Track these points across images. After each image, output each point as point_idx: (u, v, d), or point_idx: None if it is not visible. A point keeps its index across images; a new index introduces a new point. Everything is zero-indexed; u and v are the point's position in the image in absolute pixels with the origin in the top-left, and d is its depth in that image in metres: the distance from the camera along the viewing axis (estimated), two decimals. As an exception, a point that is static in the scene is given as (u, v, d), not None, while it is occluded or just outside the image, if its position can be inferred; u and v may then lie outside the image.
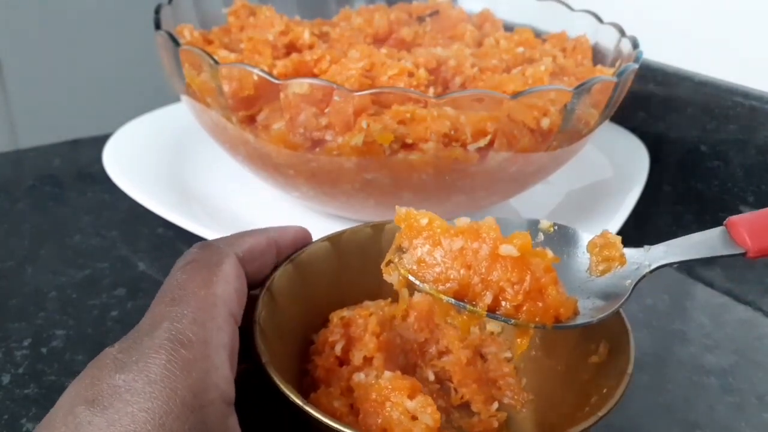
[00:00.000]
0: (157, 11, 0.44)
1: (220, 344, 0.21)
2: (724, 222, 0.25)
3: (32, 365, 0.35)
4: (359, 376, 0.26)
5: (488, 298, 0.23)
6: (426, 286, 0.24)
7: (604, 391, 0.25)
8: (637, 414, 0.33)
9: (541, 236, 0.28)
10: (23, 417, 0.31)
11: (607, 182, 0.52)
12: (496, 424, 0.28)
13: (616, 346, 0.26)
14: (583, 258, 0.27)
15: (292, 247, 0.28)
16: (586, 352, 0.27)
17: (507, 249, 0.23)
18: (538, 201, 0.49)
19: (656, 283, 0.44)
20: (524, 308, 0.23)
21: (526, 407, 0.29)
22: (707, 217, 0.54)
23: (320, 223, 0.45)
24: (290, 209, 0.47)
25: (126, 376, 0.19)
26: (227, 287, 0.23)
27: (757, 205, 0.54)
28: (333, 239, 0.29)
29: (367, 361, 0.28)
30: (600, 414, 0.22)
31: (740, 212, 0.53)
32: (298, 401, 0.22)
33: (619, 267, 0.26)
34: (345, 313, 0.29)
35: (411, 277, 0.25)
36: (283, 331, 0.26)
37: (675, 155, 0.58)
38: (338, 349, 0.28)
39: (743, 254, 0.24)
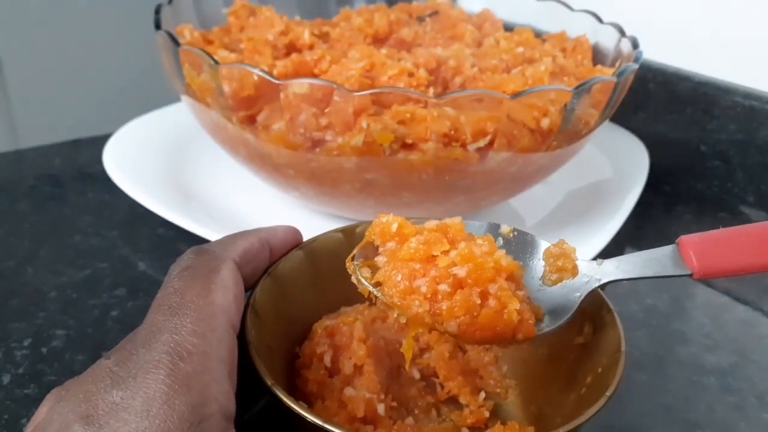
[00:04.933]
0: (157, 11, 0.44)
1: (220, 357, 0.21)
2: (676, 240, 0.25)
3: (32, 365, 0.35)
4: (350, 391, 0.26)
5: (452, 327, 0.23)
6: (382, 296, 0.24)
7: (599, 370, 0.25)
8: (636, 414, 0.33)
9: (500, 241, 0.28)
10: (23, 417, 0.31)
11: (606, 182, 0.52)
12: (486, 414, 0.29)
13: (601, 326, 0.26)
14: (538, 265, 0.27)
15: (282, 246, 0.28)
16: (569, 334, 0.27)
17: (459, 271, 0.23)
18: (538, 201, 0.49)
19: (656, 283, 0.44)
20: (480, 334, 0.23)
21: (511, 393, 0.30)
22: (707, 217, 0.53)
23: (320, 223, 0.45)
24: (290, 209, 0.47)
25: (124, 393, 0.19)
26: (227, 295, 0.22)
27: (758, 205, 0.54)
28: (306, 247, 0.29)
29: (358, 369, 0.27)
30: (608, 393, 0.22)
31: (740, 212, 0.54)
32: (319, 421, 0.21)
33: (570, 278, 0.26)
34: (328, 322, 0.28)
35: (366, 283, 0.24)
36: (270, 347, 0.26)
37: (675, 155, 0.58)
38: (327, 360, 0.27)
39: (690, 275, 0.24)
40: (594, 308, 0.26)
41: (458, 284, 0.23)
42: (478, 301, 0.23)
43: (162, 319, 0.21)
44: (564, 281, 0.26)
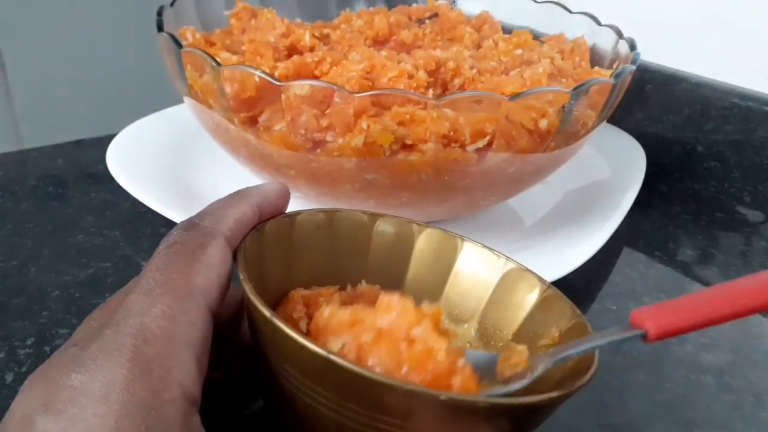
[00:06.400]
0: (160, 13, 0.45)
1: (189, 341, 0.20)
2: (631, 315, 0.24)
3: (35, 364, 0.34)
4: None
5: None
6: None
7: (557, 334, 0.25)
8: (634, 412, 0.34)
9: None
10: (28, 414, 0.32)
11: (604, 183, 0.53)
12: None
13: (570, 329, 0.26)
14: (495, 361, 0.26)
15: (274, 209, 0.27)
16: (533, 338, 0.27)
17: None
18: (537, 201, 0.50)
19: (654, 283, 0.44)
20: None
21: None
22: (704, 217, 0.54)
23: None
24: (290, 209, 0.48)
25: (83, 377, 0.18)
26: (209, 275, 0.21)
27: (754, 205, 0.55)
28: (291, 217, 0.28)
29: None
30: (589, 374, 0.22)
31: (737, 213, 0.54)
32: (323, 351, 0.19)
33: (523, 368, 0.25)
34: (304, 292, 0.27)
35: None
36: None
37: (672, 156, 0.59)
38: (303, 327, 0.26)
39: (643, 336, 0.23)
40: (562, 315, 0.26)
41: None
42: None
43: (135, 298, 0.20)
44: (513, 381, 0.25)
